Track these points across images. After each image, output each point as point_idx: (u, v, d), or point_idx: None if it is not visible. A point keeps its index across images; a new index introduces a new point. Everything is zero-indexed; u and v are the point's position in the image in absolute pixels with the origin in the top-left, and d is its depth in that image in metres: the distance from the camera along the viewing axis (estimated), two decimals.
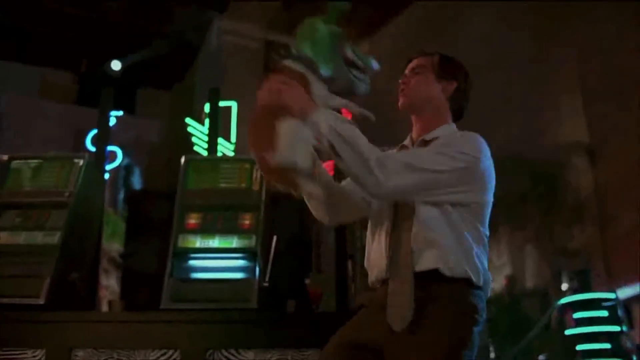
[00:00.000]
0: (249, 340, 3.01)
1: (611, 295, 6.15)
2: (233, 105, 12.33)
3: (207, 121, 7.00)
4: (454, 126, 2.30)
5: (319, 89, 2.10)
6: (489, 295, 2.15)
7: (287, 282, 3.51)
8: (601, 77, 13.11)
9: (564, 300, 6.45)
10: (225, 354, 2.98)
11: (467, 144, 2.10)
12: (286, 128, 1.91)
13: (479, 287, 2.08)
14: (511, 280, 13.12)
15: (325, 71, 2.16)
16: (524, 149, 12.73)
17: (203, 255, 3.34)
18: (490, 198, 2.17)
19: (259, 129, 2.03)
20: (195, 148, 9.25)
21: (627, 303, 6.96)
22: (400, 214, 2.13)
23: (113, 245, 12.62)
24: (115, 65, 15.86)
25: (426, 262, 2.02)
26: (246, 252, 3.29)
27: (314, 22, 2.20)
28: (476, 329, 2.03)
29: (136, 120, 16.33)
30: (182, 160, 3.65)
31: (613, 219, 12.58)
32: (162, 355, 3.02)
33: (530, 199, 12.47)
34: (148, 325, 3.10)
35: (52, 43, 15.92)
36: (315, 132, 1.95)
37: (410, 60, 2.41)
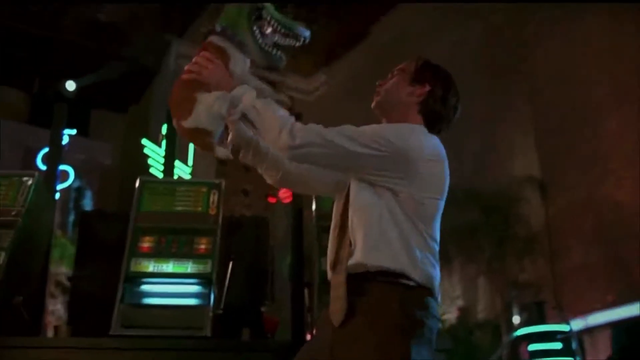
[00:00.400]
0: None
1: (565, 328, 6.19)
2: None
3: (164, 143, 6.87)
4: (420, 127, 2.22)
5: (237, 65, 2.18)
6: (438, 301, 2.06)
7: (242, 309, 3.42)
8: (553, 113, 13.42)
9: (519, 333, 6.46)
10: None
11: (397, 135, 2.05)
12: (201, 98, 2.07)
13: (422, 290, 1.97)
14: (463, 311, 13.20)
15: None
16: (476, 181, 12.90)
17: (156, 280, 3.24)
18: (432, 197, 2.07)
19: (179, 99, 2.17)
20: (151, 170, 9.09)
21: (579, 335, 7.00)
22: (348, 209, 2.10)
23: (60, 269, 12.29)
24: (70, 85, 15.62)
25: (356, 255, 1.98)
26: (201, 278, 3.21)
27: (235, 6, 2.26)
28: (417, 345, 1.87)
29: (89, 141, 16.07)
30: (137, 181, 3.55)
31: (563, 252, 12.79)
32: None
33: (482, 231, 12.58)
34: (96, 353, 2.98)
35: (4, 61, 15.59)
36: (232, 105, 2.05)
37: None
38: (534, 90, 14.01)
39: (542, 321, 6.17)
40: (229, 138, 2.18)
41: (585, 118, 12.80)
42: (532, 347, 6.23)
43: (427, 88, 2.23)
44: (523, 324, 6.54)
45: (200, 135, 2.10)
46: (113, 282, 3.25)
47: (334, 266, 2.05)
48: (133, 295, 3.20)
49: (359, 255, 1.96)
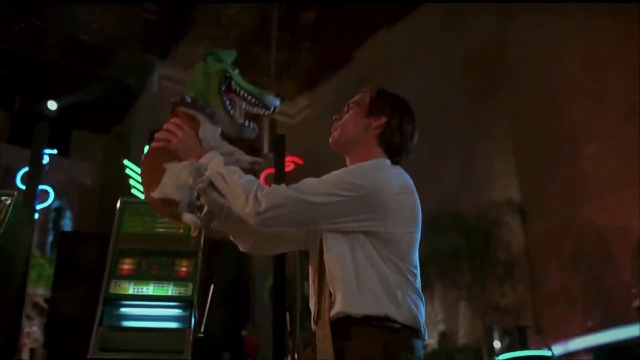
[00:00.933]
0: None
1: (548, 353, 6.17)
2: None
3: None
4: (383, 160, 2.16)
5: (207, 132, 2.13)
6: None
7: (223, 332, 3.39)
8: (533, 138, 13.55)
9: (501, 357, 6.43)
10: None
11: (362, 175, 2.00)
12: (169, 168, 2.06)
13: (407, 332, 1.94)
14: (444, 336, 13.18)
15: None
16: (457, 205, 12.96)
17: (136, 303, 3.20)
18: (407, 231, 2.03)
19: (148, 169, 2.16)
20: (133, 191, 8.97)
21: None
22: (324, 259, 2.04)
23: (38, 290, 12.12)
24: (51, 105, 15.53)
25: (337, 305, 1.94)
26: (182, 301, 3.17)
27: (199, 67, 2.21)
28: None
29: (70, 162, 15.94)
30: (118, 202, 3.52)
31: (543, 276, 12.85)
32: None
33: (462, 255, 12.61)
34: None
35: None
36: (198, 173, 2.03)
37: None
38: (514, 115, 14.15)
39: (524, 346, 6.13)
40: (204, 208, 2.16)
41: (565, 142, 12.93)
42: None
43: (384, 119, 2.16)
44: (505, 349, 6.49)
45: (168, 206, 2.06)
46: (92, 305, 3.20)
47: (317, 318, 2.02)
48: (112, 318, 3.16)
49: (340, 305, 1.93)
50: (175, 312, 3.19)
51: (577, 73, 12.84)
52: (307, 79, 18.25)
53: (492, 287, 12.59)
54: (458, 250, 12.49)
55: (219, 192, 2.02)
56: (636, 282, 11.05)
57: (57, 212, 14.40)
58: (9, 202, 3.45)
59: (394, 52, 16.69)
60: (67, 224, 14.51)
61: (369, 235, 1.96)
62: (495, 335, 12.92)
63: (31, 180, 4.02)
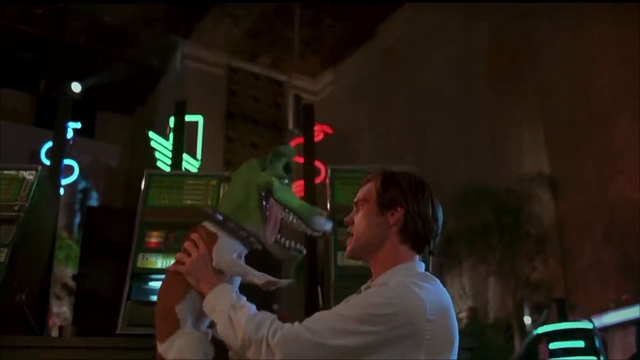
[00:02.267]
0: None
1: (588, 325, 6.00)
2: (199, 120, 11.98)
3: (171, 136, 6.69)
4: (412, 265, 1.83)
5: (222, 250, 1.83)
6: None
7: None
8: (564, 111, 13.27)
9: (539, 330, 6.26)
10: None
11: (386, 303, 1.65)
12: (178, 337, 1.80)
13: None
14: (474, 311, 13.04)
15: (250, 226, 1.85)
16: (487, 180, 12.75)
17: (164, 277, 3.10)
18: None
19: (164, 311, 1.88)
20: (158, 164, 8.88)
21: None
22: None
23: (66, 271, 12.17)
24: (75, 87, 15.53)
25: None
26: None
27: (243, 172, 1.90)
28: None
29: (95, 143, 15.96)
30: (144, 175, 3.42)
31: (575, 251, 12.63)
32: None
33: (493, 231, 12.42)
34: (102, 352, 2.82)
35: (9, 63, 15.52)
36: (207, 311, 1.79)
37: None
38: (544, 89, 13.87)
39: (563, 318, 5.96)
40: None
41: (597, 115, 12.66)
42: (553, 345, 6.02)
43: (400, 211, 1.81)
44: (541, 323, 6.33)
45: None
46: (120, 280, 3.11)
47: None
48: (140, 292, 3.05)
49: None
50: None
51: (608, 47, 12.52)
52: (330, 55, 18.08)
53: (522, 263, 12.42)
54: (488, 226, 12.30)
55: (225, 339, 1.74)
56: None
57: (83, 193, 14.46)
58: (33, 177, 3.36)
59: (417, 27, 16.43)
60: (93, 205, 14.55)
61: None
62: (526, 310, 12.77)
63: (55, 154, 3.93)
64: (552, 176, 13.05)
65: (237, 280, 1.92)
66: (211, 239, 1.84)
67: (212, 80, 18.35)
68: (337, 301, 3.08)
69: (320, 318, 1.67)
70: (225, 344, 1.80)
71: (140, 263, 3.08)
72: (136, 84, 17.37)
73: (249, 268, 1.85)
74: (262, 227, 1.82)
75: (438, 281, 1.78)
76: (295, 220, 1.83)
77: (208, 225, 1.87)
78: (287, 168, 1.91)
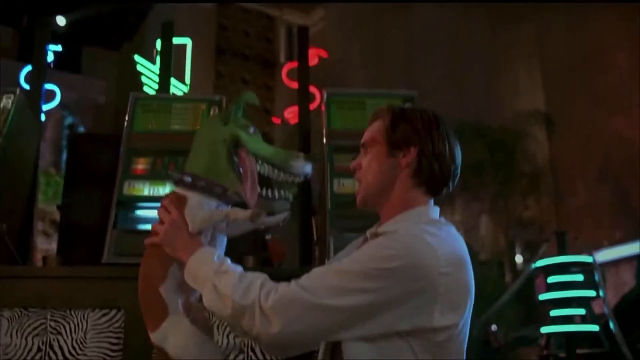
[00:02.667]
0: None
1: (588, 259, 5.95)
2: (188, 42, 11.61)
3: (158, 59, 6.41)
4: (425, 210, 1.66)
5: (192, 210, 1.64)
6: None
7: (246, 236, 3.15)
8: (561, 48, 13.05)
9: (538, 264, 6.22)
10: None
11: (392, 254, 1.48)
12: (170, 323, 1.64)
13: None
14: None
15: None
16: (482, 116, 12.59)
17: (152, 205, 2.95)
18: (456, 322, 1.53)
19: (148, 301, 1.72)
20: (145, 89, 8.55)
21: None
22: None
23: (54, 208, 12.01)
24: (60, 21, 15.10)
25: None
26: None
27: (202, 131, 1.74)
28: None
29: (82, 79, 15.63)
30: (129, 98, 3.24)
31: (568, 190, 12.61)
32: (103, 315, 2.63)
33: (487, 168, 12.33)
34: (87, 282, 2.70)
35: None
36: (189, 282, 1.62)
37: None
38: (541, 24, 13.61)
39: (563, 252, 5.89)
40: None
41: (594, 52, 12.45)
42: (552, 279, 5.98)
43: (413, 150, 1.63)
44: (540, 256, 6.28)
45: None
46: (105, 209, 2.97)
47: None
48: (127, 221, 2.92)
49: None
50: None
51: None
52: None
53: (515, 200, 12.38)
54: (482, 162, 12.19)
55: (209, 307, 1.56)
56: None
57: (70, 129, 14.21)
58: (10, 101, 3.18)
59: None
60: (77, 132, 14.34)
61: (407, 337, 1.49)
62: (518, 249, 12.83)
63: (35, 78, 3.74)
64: (548, 114, 12.90)
65: (223, 242, 1.74)
66: (182, 202, 1.66)
67: (201, 14, 17.97)
68: (334, 231, 2.95)
69: (319, 275, 1.51)
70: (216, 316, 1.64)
71: (127, 191, 2.95)
72: (123, 19, 16.91)
73: (228, 209, 1.67)
74: (240, 186, 1.64)
75: (453, 227, 1.62)
76: (271, 170, 1.66)
77: (178, 189, 1.69)
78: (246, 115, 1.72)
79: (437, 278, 1.46)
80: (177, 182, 1.70)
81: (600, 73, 12.41)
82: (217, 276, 1.54)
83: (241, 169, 1.66)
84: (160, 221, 1.71)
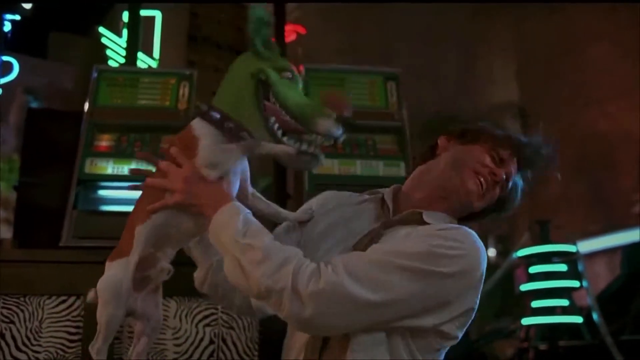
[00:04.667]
0: (170, 287, 2.41)
1: (572, 249, 5.85)
2: (157, 15, 11.08)
3: (125, 32, 6.10)
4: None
5: (213, 149, 1.41)
6: None
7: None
8: (537, 39, 13.02)
9: (520, 253, 6.11)
10: None
11: (456, 242, 1.39)
12: None
13: None
14: None
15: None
16: (456, 108, 12.51)
17: (116, 184, 2.75)
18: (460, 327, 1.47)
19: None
20: (110, 63, 8.09)
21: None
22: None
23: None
24: (25, 4, 14.68)
25: None
26: None
27: (239, 62, 1.46)
28: None
29: (49, 64, 15.22)
30: (93, 71, 3.02)
31: (542, 183, 12.59)
32: (61, 302, 2.44)
33: None
34: (44, 267, 2.50)
35: None
36: (213, 240, 1.40)
37: (515, 145, 1.70)
38: (518, 16, 13.55)
39: (546, 241, 5.79)
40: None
41: (570, 46, 12.43)
42: (534, 269, 5.87)
43: None
44: (520, 247, 6.19)
45: None
46: (66, 189, 2.75)
47: None
48: (88, 202, 2.72)
49: None
50: None
51: None
52: None
53: None
54: None
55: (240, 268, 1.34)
56: (638, 187, 10.83)
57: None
58: None
59: None
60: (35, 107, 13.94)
61: (432, 337, 1.39)
62: (490, 242, 12.76)
63: None
64: (522, 106, 12.87)
65: (236, 183, 1.49)
66: (192, 146, 1.42)
67: (173, 2, 17.66)
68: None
69: (367, 256, 1.34)
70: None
71: (88, 169, 2.74)
72: (93, 3, 16.52)
73: (234, 147, 1.41)
74: (262, 131, 1.40)
75: None
76: (294, 124, 1.40)
77: (195, 125, 1.44)
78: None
79: (481, 280, 1.43)
80: (202, 115, 1.44)
81: (575, 66, 12.40)
82: (240, 249, 1.32)
83: (265, 112, 1.40)
84: (164, 173, 1.45)
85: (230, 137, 1.40)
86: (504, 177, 1.60)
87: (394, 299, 1.29)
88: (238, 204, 1.40)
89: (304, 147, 1.39)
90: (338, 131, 1.37)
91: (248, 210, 1.40)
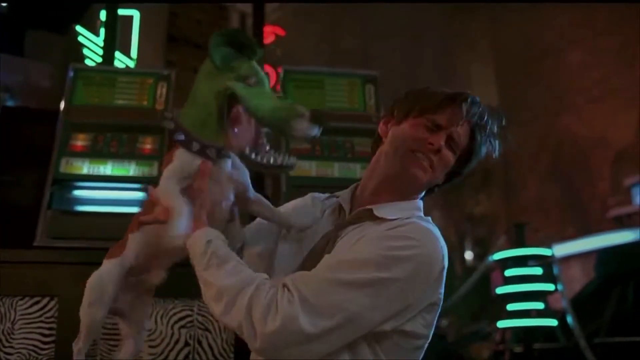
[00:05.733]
0: None
1: (547, 252, 5.89)
2: (135, 14, 11.05)
3: (102, 31, 6.01)
4: (420, 204, 1.55)
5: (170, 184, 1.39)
6: None
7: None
8: (514, 44, 13.12)
9: (495, 257, 6.14)
10: None
11: (410, 237, 1.35)
12: None
13: None
14: None
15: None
16: None
17: (91, 184, 2.72)
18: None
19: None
20: (87, 62, 7.99)
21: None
22: None
23: None
24: (2, 2, 14.53)
25: None
26: (145, 182, 2.69)
27: (200, 77, 1.42)
28: None
29: (26, 62, 15.08)
30: (69, 69, 2.99)
31: (519, 186, 12.69)
32: (35, 304, 2.41)
33: None
34: (18, 267, 2.46)
35: None
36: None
37: (456, 118, 1.52)
38: (495, 20, 13.65)
39: (521, 244, 5.82)
40: None
41: (547, 51, 12.54)
42: (509, 272, 5.89)
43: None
44: (496, 250, 6.22)
45: None
46: (40, 188, 2.72)
47: None
48: (63, 201, 2.68)
49: None
50: (138, 195, 2.72)
51: None
52: None
53: (467, 195, 12.40)
54: None
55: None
56: (613, 192, 10.95)
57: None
58: None
59: None
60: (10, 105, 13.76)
61: (397, 337, 1.35)
62: (467, 245, 12.83)
63: None
64: (500, 110, 12.96)
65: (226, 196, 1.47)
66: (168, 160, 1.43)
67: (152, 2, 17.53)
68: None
69: (331, 269, 1.30)
70: None
71: (64, 168, 2.71)
72: (69, 2, 16.35)
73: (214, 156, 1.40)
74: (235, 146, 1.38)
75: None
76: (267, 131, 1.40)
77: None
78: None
79: (442, 273, 1.37)
80: (170, 134, 1.44)
81: (553, 69, 12.52)
82: (203, 283, 1.34)
83: (236, 130, 1.38)
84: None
85: (198, 155, 1.38)
86: (444, 140, 1.48)
87: (351, 317, 1.25)
88: (209, 230, 1.37)
89: (272, 160, 1.38)
90: (314, 131, 1.33)
91: (217, 235, 1.37)
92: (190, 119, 1.41)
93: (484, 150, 1.57)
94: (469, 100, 1.52)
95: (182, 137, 1.39)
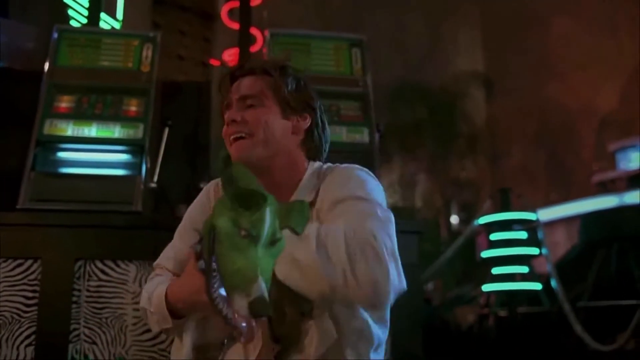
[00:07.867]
0: (131, 250, 2.38)
1: (532, 216, 5.95)
2: None
3: None
4: (316, 164, 1.57)
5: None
6: None
7: (179, 183, 2.92)
8: (503, 11, 13.06)
9: (480, 221, 6.19)
10: (100, 266, 2.35)
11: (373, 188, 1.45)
12: None
13: None
14: (401, 210, 13.10)
15: None
16: (422, 77, 12.51)
17: (76, 146, 2.69)
18: None
19: None
20: (72, 23, 7.85)
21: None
22: None
23: None
24: None
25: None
26: (131, 145, 2.67)
27: (219, 200, 1.27)
28: None
29: (9, 23, 14.84)
30: (54, 30, 2.94)
31: (505, 152, 12.75)
32: (18, 266, 2.38)
33: (425, 128, 12.32)
34: (0, 230, 2.44)
35: None
36: None
37: (233, 76, 1.56)
38: None
39: (506, 208, 5.88)
40: None
41: (536, 19, 12.52)
42: (494, 236, 5.96)
43: (309, 119, 1.55)
44: (482, 214, 6.26)
45: None
46: (24, 150, 2.69)
47: None
48: (47, 164, 2.66)
49: None
50: (123, 157, 2.70)
51: None
52: None
53: (453, 160, 12.46)
54: (421, 122, 12.17)
55: None
56: (597, 159, 11.04)
57: None
58: None
59: None
60: None
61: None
62: (453, 209, 12.93)
63: None
64: (487, 76, 12.92)
65: None
66: None
67: None
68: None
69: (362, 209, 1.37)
70: None
71: (48, 130, 2.68)
72: None
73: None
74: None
75: None
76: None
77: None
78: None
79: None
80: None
81: (539, 38, 12.51)
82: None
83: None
84: None
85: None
86: (233, 106, 1.50)
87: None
88: None
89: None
90: (250, 312, 1.15)
91: None
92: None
93: (291, 82, 1.53)
94: (235, 68, 1.58)
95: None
